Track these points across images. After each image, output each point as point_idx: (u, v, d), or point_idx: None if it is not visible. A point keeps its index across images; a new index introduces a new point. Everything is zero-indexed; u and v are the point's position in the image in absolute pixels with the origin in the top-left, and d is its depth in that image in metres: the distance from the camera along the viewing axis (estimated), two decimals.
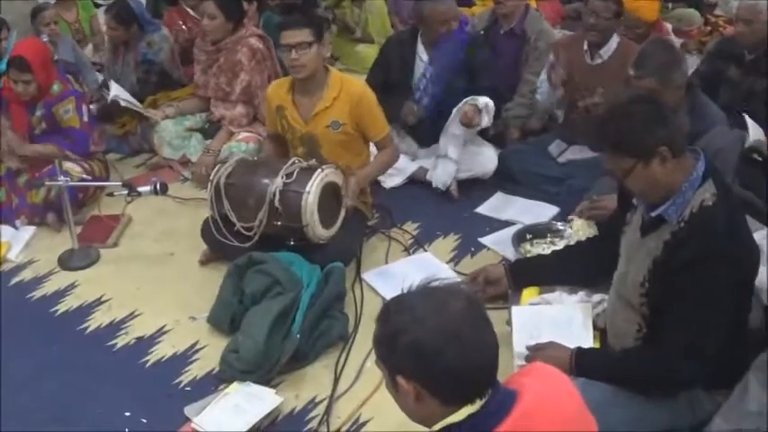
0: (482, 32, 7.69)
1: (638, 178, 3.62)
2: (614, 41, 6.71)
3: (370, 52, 8.87)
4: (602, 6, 6.58)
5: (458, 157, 6.52)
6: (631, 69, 5.30)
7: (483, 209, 6.42)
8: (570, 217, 5.67)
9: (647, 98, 3.73)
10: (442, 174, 6.56)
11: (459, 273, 5.43)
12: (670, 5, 12.79)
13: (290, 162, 5.22)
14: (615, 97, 3.84)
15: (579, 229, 5.50)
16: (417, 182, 6.75)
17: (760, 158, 6.09)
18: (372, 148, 5.91)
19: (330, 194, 5.21)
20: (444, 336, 2.27)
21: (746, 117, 6.39)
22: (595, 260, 4.51)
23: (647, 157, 3.56)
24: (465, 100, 6.44)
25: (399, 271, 5.41)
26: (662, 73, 5.13)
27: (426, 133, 6.81)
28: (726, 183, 3.93)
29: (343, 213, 5.33)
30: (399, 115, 6.71)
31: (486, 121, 6.45)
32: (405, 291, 2.44)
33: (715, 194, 3.60)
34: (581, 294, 4.55)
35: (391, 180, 6.65)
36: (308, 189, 5.02)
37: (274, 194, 5.03)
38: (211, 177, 5.30)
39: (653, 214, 3.70)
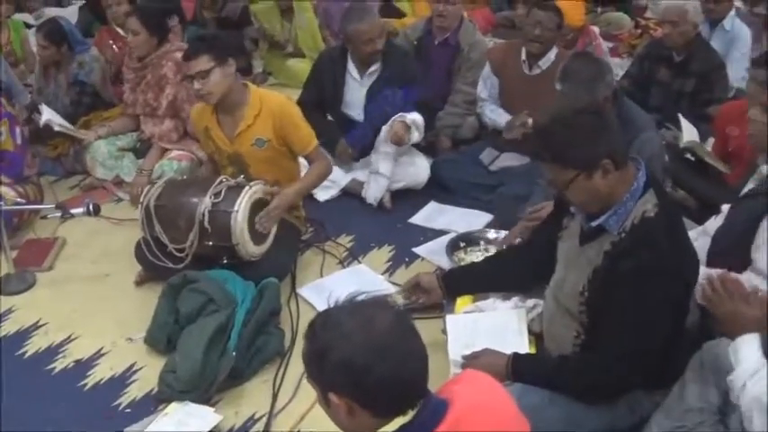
0: (415, 43, 7.77)
1: (579, 190, 3.62)
2: (553, 53, 6.81)
3: (302, 67, 8.90)
4: (546, 18, 6.68)
5: (389, 172, 6.57)
6: (558, 84, 5.36)
7: (416, 219, 6.46)
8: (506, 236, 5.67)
9: (590, 110, 3.71)
10: (374, 190, 6.60)
11: (394, 283, 5.45)
12: (599, 9, 12.88)
13: (217, 181, 5.22)
14: (559, 108, 3.85)
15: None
16: (351, 194, 6.77)
17: (693, 158, 6.19)
18: (304, 162, 5.84)
19: (260, 211, 5.22)
20: (373, 350, 2.29)
21: (681, 117, 6.50)
22: (528, 265, 4.53)
23: (590, 170, 3.56)
24: (394, 117, 6.49)
25: (334, 284, 5.38)
26: (588, 86, 5.17)
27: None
28: (667, 193, 3.99)
29: (273, 229, 5.34)
30: (333, 145, 6.75)
31: (415, 136, 6.53)
32: (331, 306, 2.47)
33: (656, 205, 3.63)
34: (515, 300, 4.57)
35: (325, 193, 6.66)
36: (236, 208, 5.04)
37: (204, 215, 5.04)
38: (141, 200, 5.29)
39: (593, 224, 3.72)
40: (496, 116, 6.96)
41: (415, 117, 6.50)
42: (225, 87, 5.37)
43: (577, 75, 5.28)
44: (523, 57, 6.86)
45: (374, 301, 2.47)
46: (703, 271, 3.77)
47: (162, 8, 7.72)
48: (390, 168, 6.56)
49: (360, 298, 2.47)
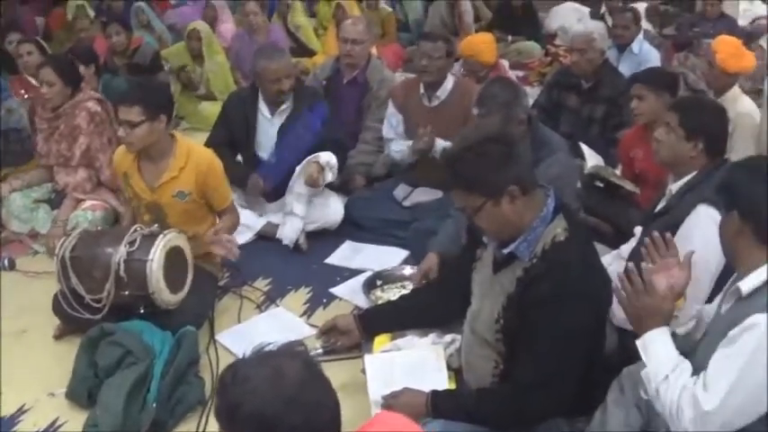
0: (324, 82, 7.82)
1: (487, 216, 3.66)
2: (450, 82, 6.90)
3: (214, 110, 8.76)
4: (432, 48, 6.76)
5: (304, 213, 6.58)
6: (475, 108, 5.45)
7: (333, 259, 6.49)
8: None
9: (497, 138, 3.73)
10: (289, 231, 6.60)
11: (312, 325, 5.44)
12: (510, 38, 13.03)
13: (131, 230, 5.19)
14: (465, 136, 3.90)
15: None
16: (266, 237, 6.76)
17: (601, 184, 6.29)
18: None
19: (175, 259, 5.20)
20: (282, 402, 2.29)
21: (582, 145, 6.60)
22: (444, 300, 4.57)
23: (497, 197, 3.60)
24: (308, 158, 6.52)
25: (253, 329, 5.42)
26: (504, 110, 5.27)
27: (273, 189, 6.83)
28: (576, 217, 4.07)
29: (190, 277, 5.32)
30: (244, 182, 6.76)
31: (329, 177, 6.55)
32: (239, 359, 2.47)
33: (566, 229, 3.68)
34: (432, 336, 4.60)
35: (240, 237, 6.47)
36: (151, 257, 5.01)
37: (119, 264, 5.00)
38: (56, 252, 5.24)
39: (504, 251, 3.75)
40: (401, 147, 7.04)
41: (328, 158, 6.53)
42: (150, 141, 5.37)
43: (494, 98, 5.38)
44: (422, 90, 6.95)
45: (282, 350, 2.48)
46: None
47: (76, 58, 7.72)
48: (304, 209, 6.58)
49: (267, 348, 2.49)
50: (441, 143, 6.46)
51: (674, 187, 4.56)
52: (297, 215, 6.58)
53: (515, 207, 3.64)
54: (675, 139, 4.51)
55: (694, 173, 4.47)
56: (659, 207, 4.62)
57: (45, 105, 7.00)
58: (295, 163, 6.66)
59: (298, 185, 6.56)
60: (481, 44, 8.65)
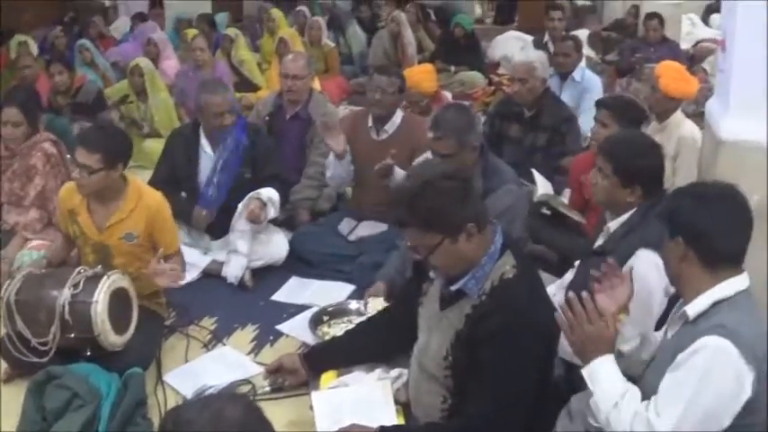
0: (267, 118, 7.83)
1: (443, 254, 3.70)
2: (398, 116, 6.95)
3: (159, 147, 8.68)
4: (386, 82, 6.82)
5: (247, 250, 6.55)
6: (430, 132, 5.49)
7: (279, 295, 6.46)
8: (365, 300, 5.78)
9: (454, 174, 3.77)
10: (233, 268, 6.57)
11: (260, 363, 5.40)
12: (453, 69, 13.10)
13: (75, 272, 5.15)
14: (420, 173, 3.93)
15: (375, 308, 5.59)
16: (212, 275, 6.72)
17: (549, 212, 6.33)
18: None
19: (119, 300, 5.17)
20: None
21: (534, 172, 6.65)
22: (390, 334, 4.62)
23: (455, 234, 3.65)
24: (249, 195, 6.50)
25: (200, 369, 5.38)
26: (459, 135, 5.35)
27: (217, 226, 6.83)
28: (524, 254, 4.10)
29: (135, 318, 5.28)
30: (189, 216, 6.75)
31: (272, 213, 6.54)
32: (181, 403, 2.49)
33: (514, 266, 3.74)
34: (378, 372, 4.62)
35: (185, 275, 6.43)
36: (95, 298, 4.98)
37: (63, 307, 4.97)
38: (1, 294, 5.21)
39: (452, 288, 3.80)
40: (338, 171, 6.95)
41: (270, 194, 6.53)
42: (103, 186, 5.35)
43: (449, 123, 5.44)
44: (370, 123, 7.00)
45: (224, 394, 2.50)
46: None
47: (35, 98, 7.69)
48: (248, 246, 6.55)
49: (210, 391, 2.50)
50: (399, 171, 6.45)
51: (612, 225, 4.56)
52: (240, 253, 6.55)
53: (471, 244, 3.69)
54: (610, 185, 4.50)
55: (632, 211, 4.49)
56: (598, 244, 4.66)
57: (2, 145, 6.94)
58: (231, 188, 6.73)
59: (240, 223, 6.54)
60: (421, 74, 8.80)
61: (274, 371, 4.98)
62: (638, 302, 3.83)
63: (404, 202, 3.81)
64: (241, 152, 6.78)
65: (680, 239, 3.35)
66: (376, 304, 5.69)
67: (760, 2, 4.48)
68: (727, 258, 3.35)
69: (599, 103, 6.23)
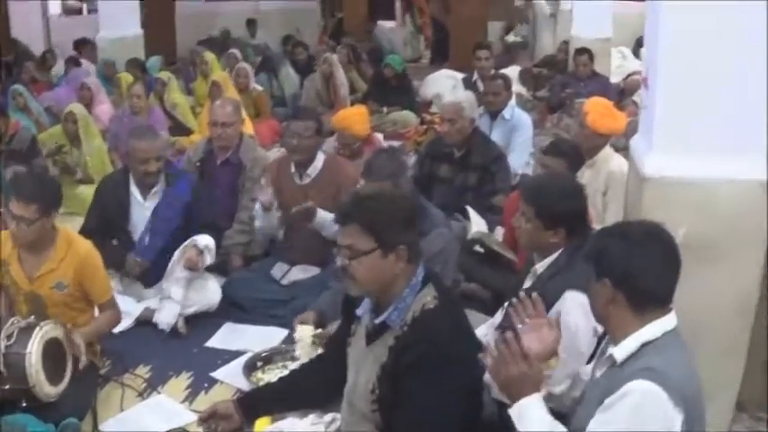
0: (198, 164, 7.84)
1: (368, 265, 3.75)
2: (320, 159, 6.99)
3: (91, 193, 8.77)
4: (302, 127, 6.86)
5: (180, 297, 6.52)
6: (362, 179, 5.59)
7: (213, 342, 6.44)
8: (293, 325, 5.92)
9: (410, 198, 3.93)
10: (165, 315, 6.52)
11: (195, 411, 5.38)
12: (385, 110, 13.16)
13: (9, 323, 5.12)
14: (381, 186, 4.04)
15: (303, 335, 5.73)
16: (145, 323, 6.66)
17: (482, 250, 6.41)
18: None
19: (53, 350, 5.14)
20: None
21: (469, 209, 6.74)
22: (322, 380, 4.62)
23: (388, 250, 3.72)
24: (185, 243, 6.52)
25: (136, 418, 5.38)
26: (391, 181, 5.37)
27: (150, 274, 6.81)
28: (446, 286, 4.14)
29: (70, 368, 5.25)
30: (121, 264, 6.74)
31: (208, 260, 6.55)
32: None
33: (436, 297, 3.79)
34: (312, 417, 4.64)
35: (119, 324, 6.41)
36: (29, 349, 4.95)
37: None
38: None
39: (376, 321, 3.86)
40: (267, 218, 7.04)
41: (206, 241, 6.53)
42: (40, 235, 5.37)
43: (382, 170, 5.53)
44: (293, 168, 7.03)
45: None
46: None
47: None
48: (182, 293, 6.52)
49: None
50: (323, 214, 6.52)
51: (539, 267, 4.60)
52: (174, 300, 6.52)
53: (395, 268, 3.77)
54: (534, 228, 4.56)
55: (558, 252, 4.55)
56: (526, 286, 4.71)
57: None
58: (168, 239, 6.72)
59: (177, 270, 6.53)
60: (353, 116, 8.82)
61: (208, 417, 4.90)
62: (567, 345, 3.90)
63: (358, 198, 3.92)
64: (180, 203, 6.76)
65: (607, 281, 3.37)
66: (305, 332, 5.77)
67: (681, 38, 4.57)
68: (655, 300, 3.37)
69: (550, 152, 6.25)
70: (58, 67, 16.92)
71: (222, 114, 7.78)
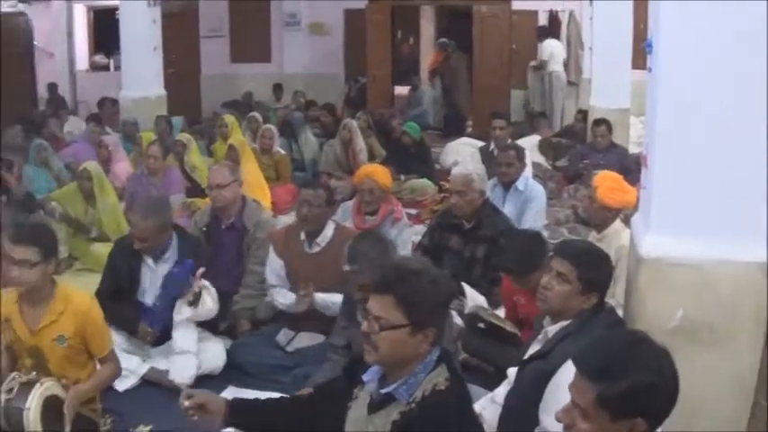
0: (204, 229, 7.86)
1: (395, 340, 3.69)
2: (330, 229, 7.01)
3: (106, 251, 8.57)
4: (312, 195, 6.89)
5: (194, 347, 6.55)
6: (346, 265, 5.57)
7: None
8: None
9: (450, 281, 3.92)
10: (182, 368, 6.51)
11: None
12: (403, 177, 13.12)
13: (10, 377, 5.14)
14: (420, 262, 4.04)
15: None
16: (150, 383, 6.67)
17: (483, 325, 6.39)
18: None
19: (53, 407, 5.15)
20: None
21: (465, 285, 6.71)
22: (311, 414, 4.37)
23: (418, 329, 3.68)
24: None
25: None
26: (376, 266, 5.23)
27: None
28: (457, 369, 4.10)
29: (68, 427, 5.25)
30: (134, 330, 6.77)
31: (208, 301, 6.57)
32: None
33: (448, 379, 3.76)
34: None
35: (123, 382, 6.52)
36: (28, 405, 4.97)
37: None
38: None
39: (382, 391, 3.81)
40: (287, 300, 7.06)
41: (205, 282, 6.55)
42: (41, 282, 5.39)
43: (365, 255, 5.52)
44: (303, 236, 7.05)
45: None
46: None
47: None
48: (194, 341, 6.55)
49: None
50: (320, 296, 6.56)
51: (550, 330, 4.62)
52: (187, 351, 6.53)
53: (420, 348, 3.73)
54: (571, 291, 4.57)
55: (572, 317, 4.57)
56: (535, 350, 4.71)
57: None
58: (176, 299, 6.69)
59: (180, 311, 6.56)
60: (378, 167, 8.97)
61: (198, 406, 4.26)
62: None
63: (400, 270, 3.81)
64: (186, 271, 6.68)
65: (641, 421, 3.13)
66: None
67: (680, 119, 4.60)
68: None
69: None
70: (72, 123, 17.05)
71: (215, 177, 7.82)
